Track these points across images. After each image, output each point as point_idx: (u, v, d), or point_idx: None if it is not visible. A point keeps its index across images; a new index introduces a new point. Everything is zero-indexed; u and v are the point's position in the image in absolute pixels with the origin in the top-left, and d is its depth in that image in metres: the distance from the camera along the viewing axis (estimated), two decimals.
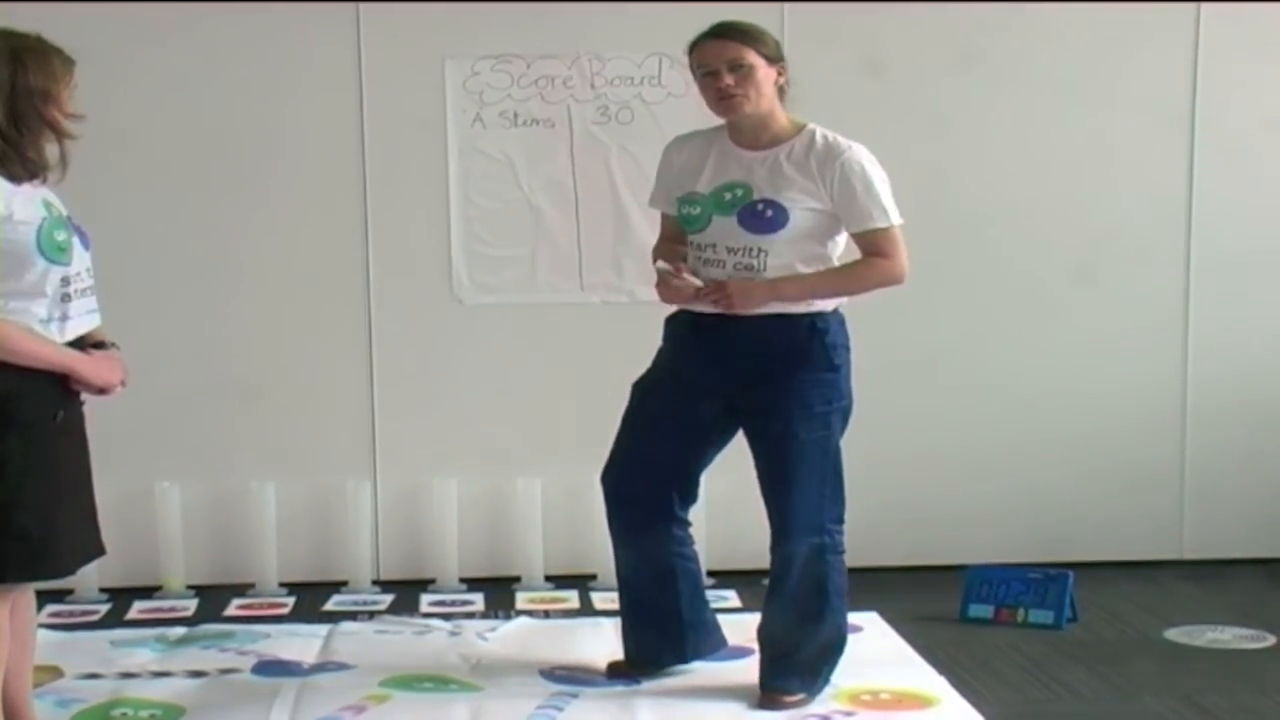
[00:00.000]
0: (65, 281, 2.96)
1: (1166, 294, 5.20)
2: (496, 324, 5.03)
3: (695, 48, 3.62)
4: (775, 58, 3.61)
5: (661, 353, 3.79)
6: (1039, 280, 5.17)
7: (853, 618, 4.47)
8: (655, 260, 3.72)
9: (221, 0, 4.81)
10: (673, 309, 3.76)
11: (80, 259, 3.02)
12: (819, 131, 3.64)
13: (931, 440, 5.15)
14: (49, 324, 2.94)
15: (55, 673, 3.93)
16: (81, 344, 3.03)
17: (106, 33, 4.66)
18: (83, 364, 2.98)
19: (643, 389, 3.78)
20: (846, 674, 3.87)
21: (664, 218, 3.85)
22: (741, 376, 3.62)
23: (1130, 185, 5.17)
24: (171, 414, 4.89)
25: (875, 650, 4.20)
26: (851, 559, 5.10)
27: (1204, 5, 5.09)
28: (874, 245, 3.61)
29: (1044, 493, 5.16)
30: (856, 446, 5.12)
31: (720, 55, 3.55)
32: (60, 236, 2.95)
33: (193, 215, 4.92)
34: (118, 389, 3.08)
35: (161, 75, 4.85)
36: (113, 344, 3.13)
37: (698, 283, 3.57)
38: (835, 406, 3.68)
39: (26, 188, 2.94)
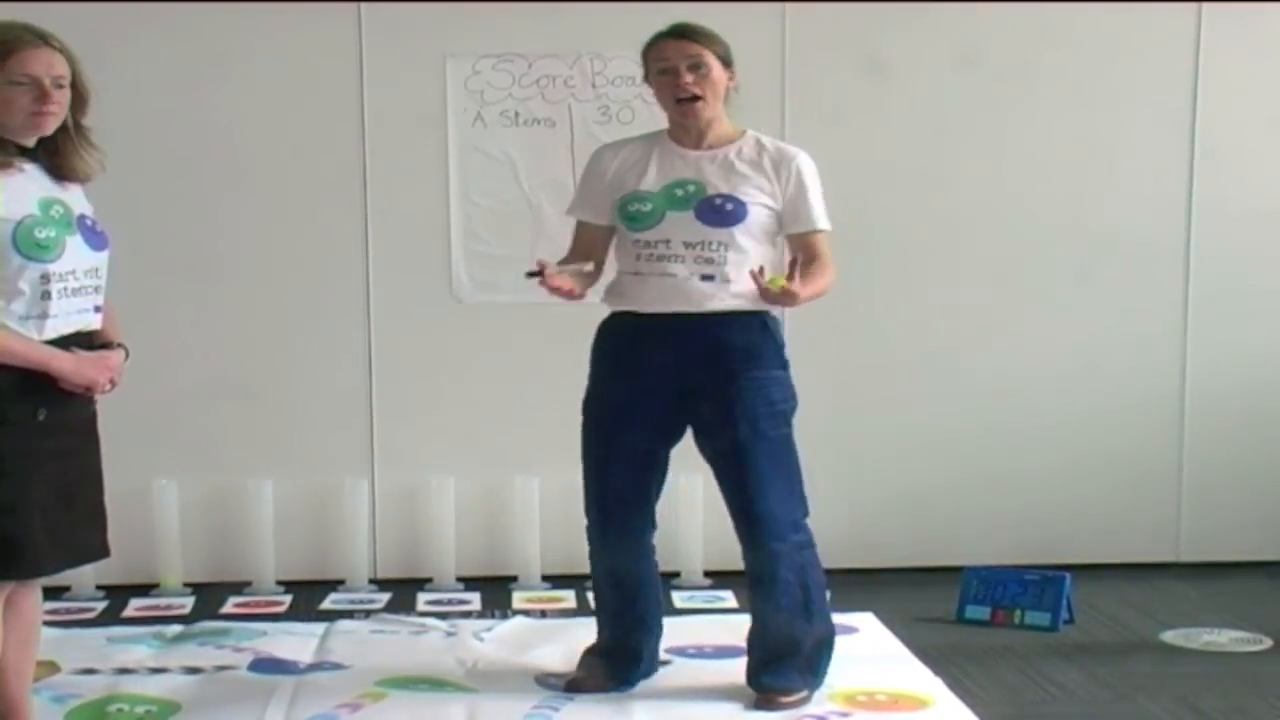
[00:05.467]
0: (45, 279, 2.93)
1: (1165, 295, 5.20)
2: (495, 323, 5.03)
3: (654, 46, 3.65)
4: (728, 61, 3.65)
5: (603, 365, 3.72)
6: (1037, 281, 5.16)
7: (849, 618, 4.50)
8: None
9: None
10: (606, 312, 3.73)
11: (78, 258, 3.00)
12: (761, 136, 3.70)
13: (929, 441, 5.16)
14: (26, 321, 2.93)
15: (52, 668, 3.93)
16: (78, 343, 3.01)
17: (105, 30, 4.65)
18: (60, 361, 2.96)
19: (599, 410, 3.72)
20: (842, 675, 3.88)
21: (581, 228, 3.77)
22: (698, 377, 3.61)
23: (1130, 185, 5.17)
24: (170, 411, 4.89)
25: (871, 651, 4.21)
26: (848, 560, 5.13)
27: (1205, 6, 5.09)
28: (817, 247, 3.67)
29: (1041, 495, 5.16)
30: (854, 447, 5.16)
31: (682, 54, 3.59)
32: (42, 234, 2.93)
33: (192, 213, 4.93)
34: (103, 388, 3.06)
35: (162, 73, 4.85)
36: (119, 345, 3.12)
37: (567, 276, 3.54)
38: (791, 404, 3.71)
39: (20, 186, 2.94)
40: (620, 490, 3.72)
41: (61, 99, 2.97)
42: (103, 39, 4.57)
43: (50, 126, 2.98)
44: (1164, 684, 3.93)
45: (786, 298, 3.48)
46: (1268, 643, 4.33)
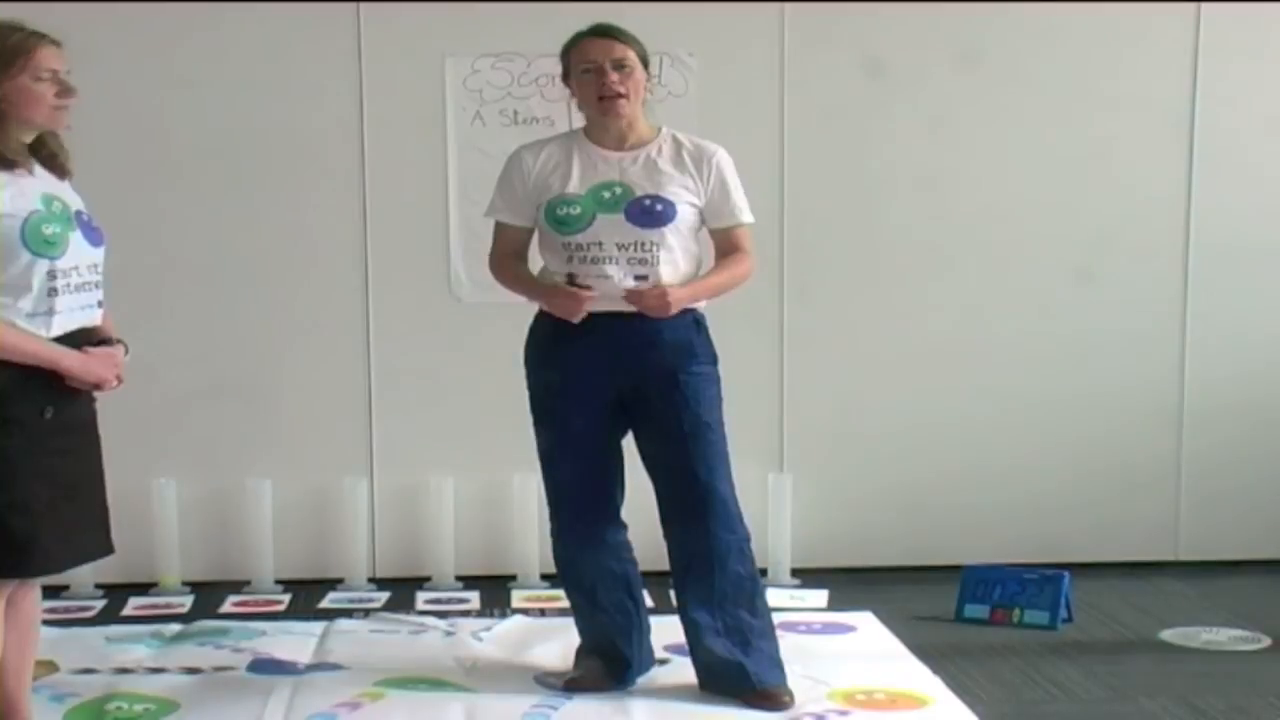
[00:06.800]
0: (52, 275, 2.95)
1: (1164, 295, 5.20)
2: (494, 322, 4.98)
3: (576, 45, 3.66)
4: (647, 62, 3.68)
5: (543, 365, 3.71)
6: (1037, 280, 5.16)
7: (848, 617, 4.50)
8: (501, 274, 3.74)
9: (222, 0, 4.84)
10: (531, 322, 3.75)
11: (80, 254, 3.02)
12: (676, 133, 3.73)
13: (928, 440, 5.15)
14: (34, 319, 2.94)
15: (50, 667, 3.93)
16: (81, 339, 3.02)
17: (106, 32, 4.66)
18: (69, 359, 2.97)
19: (548, 410, 3.72)
20: (841, 673, 3.89)
21: (504, 230, 3.75)
22: (637, 374, 3.63)
23: (1130, 185, 5.17)
24: (169, 411, 4.89)
25: (870, 650, 4.21)
26: (848, 558, 5.15)
27: (1204, 5, 5.09)
28: (739, 241, 3.72)
29: (1040, 493, 5.16)
30: (853, 446, 5.16)
31: (607, 53, 3.60)
32: (49, 230, 2.95)
33: (192, 212, 4.93)
34: (111, 385, 3.07)
35: (161, 74, 4.85)
36: (119, 341, 3.13)
37: (594, 293, 3.56)
38: (722, 398, 3.72)
39: (23, 182, 2.96)
40: (578, 483, 3.74)
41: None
42: (102, 39, 4.58)
43: (66, 120, 3.03)
44: (1163, 683, 3.93)
45: (659, 301, 3.54)
46: (1267, 641, 4.33)
